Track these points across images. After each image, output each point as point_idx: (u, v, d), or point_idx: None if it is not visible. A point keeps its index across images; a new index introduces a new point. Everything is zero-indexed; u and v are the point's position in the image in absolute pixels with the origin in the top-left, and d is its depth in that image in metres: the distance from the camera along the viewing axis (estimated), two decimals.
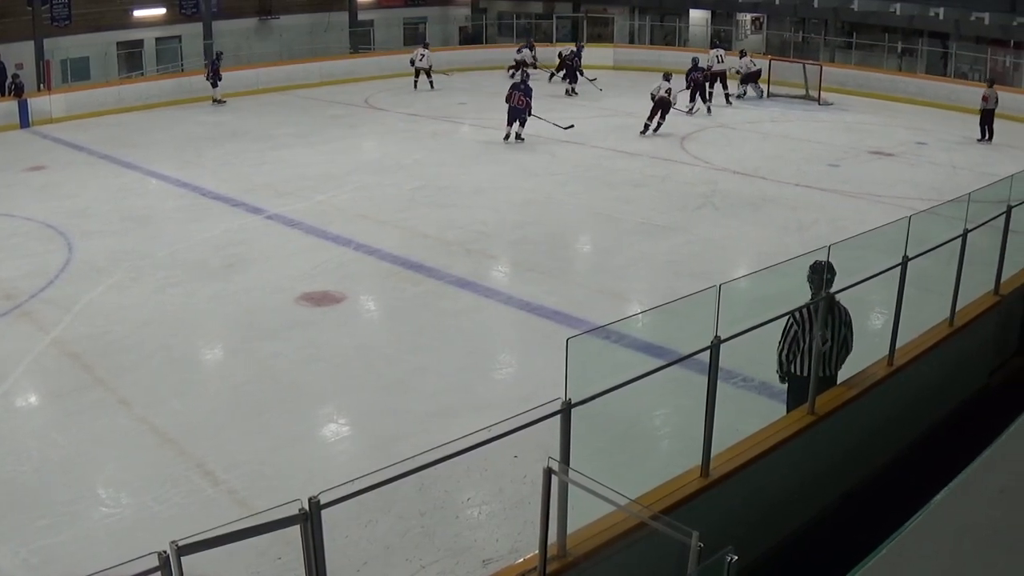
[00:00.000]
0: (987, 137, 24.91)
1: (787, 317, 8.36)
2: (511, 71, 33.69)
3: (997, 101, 24.88)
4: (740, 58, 31.98)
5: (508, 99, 24.21)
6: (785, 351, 8.53)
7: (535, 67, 34.51)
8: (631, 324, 11.69)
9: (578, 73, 32.81)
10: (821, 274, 8.43)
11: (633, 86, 30.28)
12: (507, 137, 24.31)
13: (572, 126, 24.87)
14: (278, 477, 8.81)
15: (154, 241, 16.06)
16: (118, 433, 9.76)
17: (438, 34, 42.43)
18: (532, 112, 24.22)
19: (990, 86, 25.23)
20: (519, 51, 35.21)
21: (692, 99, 28.61)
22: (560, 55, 34.65)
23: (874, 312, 11.74)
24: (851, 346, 8.71)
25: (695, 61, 29.59)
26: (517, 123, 24.24)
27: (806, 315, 8.36)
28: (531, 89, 24.48)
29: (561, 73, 33.86)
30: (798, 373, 8.52)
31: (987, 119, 25.00)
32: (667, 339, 10.13)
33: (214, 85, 30.44)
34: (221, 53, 31.33)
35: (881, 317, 11.04)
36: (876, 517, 6.63)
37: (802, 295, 8.59)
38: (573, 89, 32.33)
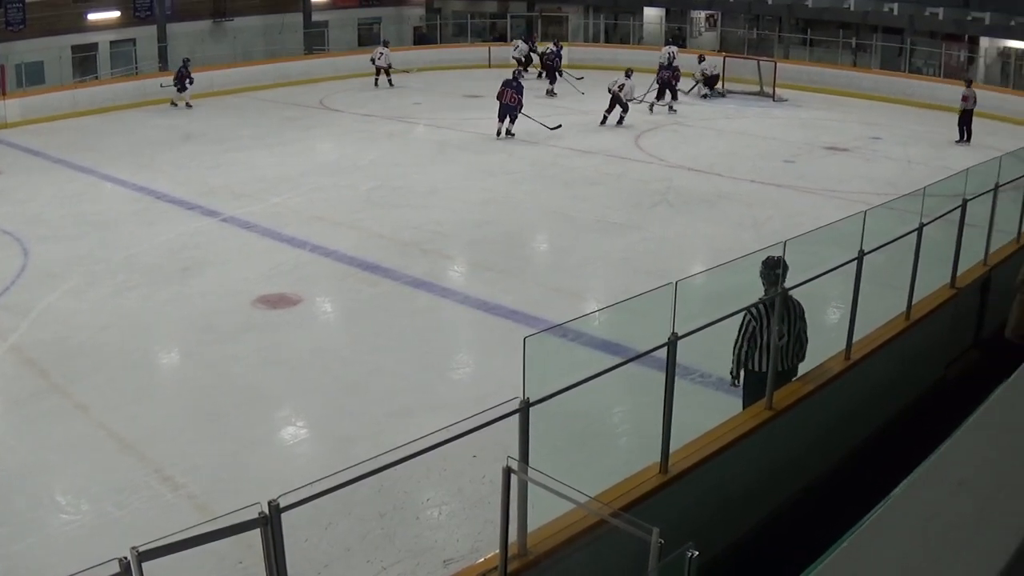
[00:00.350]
0: (966, 138, 24.50)
1: (744, 313, 8.41)
2: (522, 70, 32.64)
3: (975, 101, 24.47)
4: (699, 62, 31.89)
5: (500, 96, 24.30)
6: (745, 347, 8.57)
7: (531, 57, 34.41)
8: (588, 322, 11.71)
9: (557, 73, 32.57)
10: (773, 269, 8.48)
11: (595, 85, 30.28)
12: (499, 134, 24.40)
13: (560, 126, 25.00)
14: (237, 481, 8.76)
15: (110, 245, 15.91)
16: (76, 439, 9.68)
17: (393, 34, 42.20)
18: (523, 109, 24.33)
19: (968, 86, 24.85)
20: (515, 48, 35.00)
21: (659, 97, 28.83)
22: (539, 54, 34.44)
23: (830, 307, 11.83)
24: (805, 339, 8.78)
25: (671, 61, 29.81)
26: (508, 119, 24.32)
27: (763, 310, 8.41)
28: (523, 87, 24.68)
29: (543, 73, 33.68)
30: (756, 369, 8.57)
31: (966, 120, 24.56)
32: (624, 336, 10.16)
33: (182, 89, 30.04)
34: (188, 59, 30.93)
35: (837, 312, 11.13)
36: (835, 511, 6.68)
37: (758, 291, 8.64)
38: (552, 89, 32.07)
